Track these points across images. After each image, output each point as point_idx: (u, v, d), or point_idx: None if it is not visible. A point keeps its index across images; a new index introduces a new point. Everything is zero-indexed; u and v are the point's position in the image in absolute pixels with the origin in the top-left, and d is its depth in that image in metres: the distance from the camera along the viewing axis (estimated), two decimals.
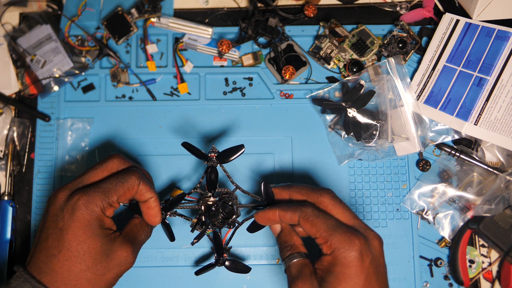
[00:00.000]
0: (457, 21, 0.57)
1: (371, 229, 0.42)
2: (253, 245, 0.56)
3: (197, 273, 0.51)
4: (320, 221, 0.42)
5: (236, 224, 0.49)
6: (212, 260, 0.51)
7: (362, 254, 0.39)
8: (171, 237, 0.50)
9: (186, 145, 0.49)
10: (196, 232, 0.49)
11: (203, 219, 0.48)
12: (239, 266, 0.50)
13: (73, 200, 0.42)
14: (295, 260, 0.44)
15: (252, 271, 0.56)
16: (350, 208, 0.44)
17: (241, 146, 0.48)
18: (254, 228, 0.49)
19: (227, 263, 0.49)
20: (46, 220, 0.43)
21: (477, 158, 0.56)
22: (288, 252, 0.45)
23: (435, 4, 0.60)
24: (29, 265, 0.42)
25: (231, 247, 0.54)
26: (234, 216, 0.48)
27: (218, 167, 0.49)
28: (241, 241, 0.55)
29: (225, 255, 0.49)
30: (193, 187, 0.50)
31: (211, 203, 0.48)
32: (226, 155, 0.48)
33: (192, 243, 0.49)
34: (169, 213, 0.48)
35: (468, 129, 0.54)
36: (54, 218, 0.42)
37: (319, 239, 0.42)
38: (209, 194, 0.48)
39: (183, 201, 0.49)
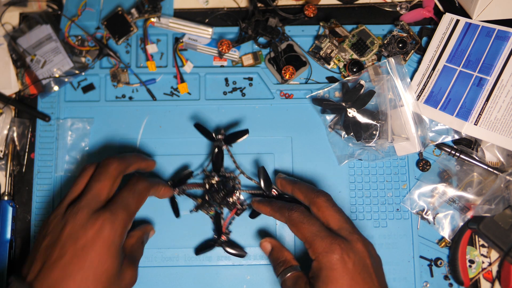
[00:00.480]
0: (457, 21, 0.57)
1: (356, 232, 0.44)
2: (253, 245, 0.56)
3: (197, 253, 0.54)
4: (305, 227, 0.44)
5: (238, 211, 0.55)
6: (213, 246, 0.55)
7: (343, 257, 0.41)
8: (177, 214, 0.55)
9: (198, 126, 0.56)
10: (200, 215, 0.55)
11: (207, 198, 0.53)
12: (236, 249, 0.54)
13: (100, 220, 0.42)
14: (289, 274, 0.46)
15: (252, 271, 0.56)
16: (342, 212, 0.46)
17: (246, 131, 0.54)
18: (253, 214, 0.55)
19: (225, 245, 0.54)
20: (61, 238, 0.42)
21: (477, 158, 0.56)
22: (282, 267, 0.48)
23: (435, 4, 0.60)
24: (36, 281, 0.40)
25: (230, 232, 0.55)
26: (234, 197, 0.53)
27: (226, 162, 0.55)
28: (242, 241, 0.55)
29: (223, 237, 0.54)
30: (201, 170, 0.57)
31: (214, 182, 0.53)
32: (232, 137, 0.54)
33: (191, 211, 0.55)
34: (177, 189, 0.54)
35: (468, 129, 0.54)
36: (74, 236, 0.41)
37: (305, 244, 0.44)
38: (214, 174, 0.54)
39: (189, 184, 0.55)
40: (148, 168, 0.53)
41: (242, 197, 0.55)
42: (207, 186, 0.54)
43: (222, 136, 0.54)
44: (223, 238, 0.54)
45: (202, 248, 0.55)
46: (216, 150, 0.54)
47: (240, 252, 0.54)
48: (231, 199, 0.53)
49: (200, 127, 0.56)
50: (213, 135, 0.55)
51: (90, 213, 0.42)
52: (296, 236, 0.45)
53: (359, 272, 0.41)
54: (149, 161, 0.53)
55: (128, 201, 0.45)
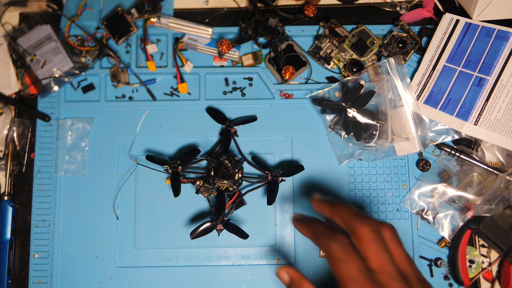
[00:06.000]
0: (457, 21, 0.57)
1: (400, 279, 0.38)
2: (253, 245, 0.56)
3: (193, 236, 0.53)
4: (341, 266, 0.38)
5: (240, 193, 0.55)
6: (211, 228, 0.53)
7: None
8: (176, 192, 0.53)
9: (210, 109, 0.58)
10: (199, 198, 0.55)
11: (212, 173, 0.53)
12: (238, 230, 0.53)
13: None
14: None
15: (252, 271, 0.56)
16: (385, 249, 0.39)
17: (254, 117, 0.58)
18: (271, 197, 0.54)
19: (225, 225, 0.53)
20: None
21: (477, 158, 0.56)
22: None
23: (435, 4, 0.60)
24: None
25: (229, 219, 0.54)
26: (240, 174, 0.54)
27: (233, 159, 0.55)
28: (241, 241, 0.55)
29: (220, 226, 0.53)
30: (207, 152, 0.58)
31: (222, 158, 0.54)
32: (240, 121, 0.58)
33: (197, 189, 0.54)
34: (180, 167, 0.54)
35: (468, 129, 0.54)
36: None
37: (339, 284, 0.39)
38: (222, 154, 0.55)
39: (193, 168, 0.56)
40: None
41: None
42: (213, 164, 0.54)
43: (232, 122, 0.57)
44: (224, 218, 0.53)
45: (198, 231, 0.53)
46: (225, 132, 0.57)
47: (243, 233, 0.53)
48: (238, 175, 0.54)
49: (212, 110, 0.58)
50: (224, 117, 0.58)
51: None
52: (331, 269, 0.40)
53: None
54: None
55: None
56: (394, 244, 0.40)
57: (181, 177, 0.55)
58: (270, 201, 0.54)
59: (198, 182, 0.54)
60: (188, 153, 0.56)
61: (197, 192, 0.54)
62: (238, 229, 0.53)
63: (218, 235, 0.54)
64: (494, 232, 0.53)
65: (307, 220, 0.44)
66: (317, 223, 0.44)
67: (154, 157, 0.56)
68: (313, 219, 0.44)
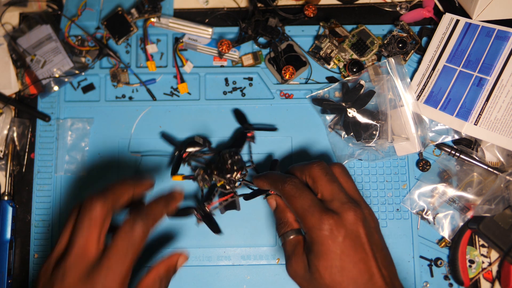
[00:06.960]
0: (457, 21, 0.57)
1: (348, 201, 0.42)
2: (253, 245, 0.56)
3: (170, 216, 0.49)
4: (296, 201, 0.43)
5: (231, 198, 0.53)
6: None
7: (333, 232, 0.40)
8: (217, 230, 0.51)
9: (237, 111, 0.59)
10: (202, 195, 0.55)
11: (213, 166, 0.52)
12: (213, 223, 0.51)
13: (93, 285, 0.39)
14: (290, 237, 0.45)
15: (252, 271, 0.56)
16: (335, 180, 0.44)
17: (274, 128, 0.59)
18: (248, 196, 0.52)
19: (204, 214, 0.51)
20: None
21: (477, 158, 0.56)
22: (283, 229, 0.46)
23: (435, 4, 0.60)
24: None
25: (214, 214, 0.52)
26: (239, 174, 0.52)
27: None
28: (241, 241, 0.55)
29: (208, 207, 0.51)
30: (215, 145, 0.58)
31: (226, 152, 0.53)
32: (258, 127, 0.58)
33: (195, 177, 0.54)
34: (184, 154, 0.53)
35: (468, 129, 0.54)
36: None
37: (297, 218, 0.43)
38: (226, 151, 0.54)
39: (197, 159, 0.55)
40: (145, 191, 0.46)
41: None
42: (201, 142, 0.53)
43: (250, 125, 0.58)
44: (207, 207, 0.51)
45: (179, 212, 0.51)
46: (241, 133, 0.56)
47: (217, 227, 0.51)
48: (235, 174, 0.52)
49: (238, 112, 0.59)
50: (247, 120, 0.58)
51: (80, 276, 0.36)
52: (290, 208, 0.44)
53: (350, 245, 0.40)
54: (143, 184, 0.45)
55: (125, 251, 0.38)
56: (343, 177, 0.46)
57: (186, 161, 0.54)
58: (247, 197, 0.52)
59: (198, 170, 0.53)
60: (192, 143, 0.55)
61: (194, 179, 0.54)
62: (214, 222, 0.51)
63: (197, 225, 0.54)
64: (494, 232, 0.53)
65: (263, 174, 0.49)
66: (271, 173, 0.48)
67: (168, 136, 0.57)
68: (268, 172, 0.49)
